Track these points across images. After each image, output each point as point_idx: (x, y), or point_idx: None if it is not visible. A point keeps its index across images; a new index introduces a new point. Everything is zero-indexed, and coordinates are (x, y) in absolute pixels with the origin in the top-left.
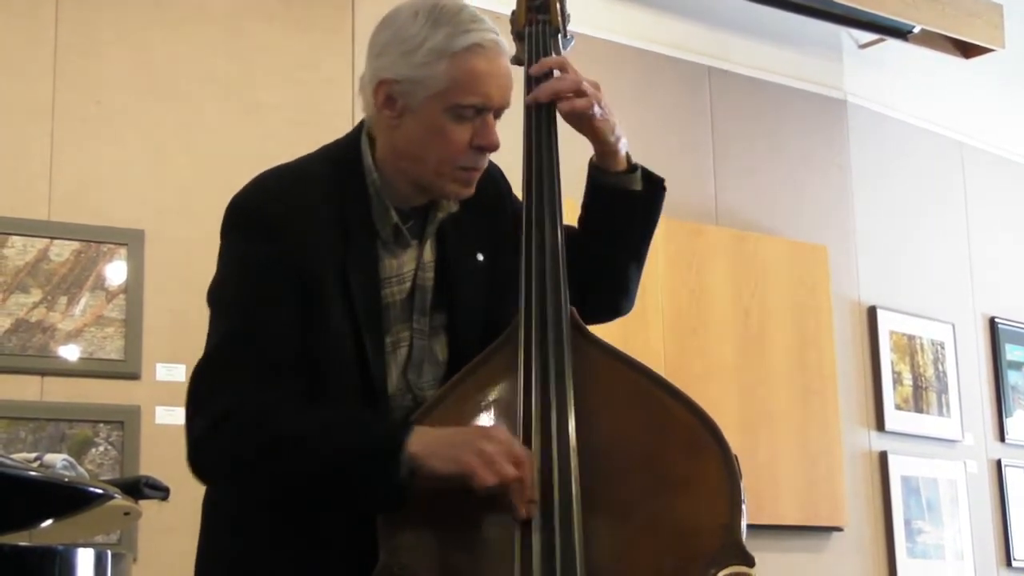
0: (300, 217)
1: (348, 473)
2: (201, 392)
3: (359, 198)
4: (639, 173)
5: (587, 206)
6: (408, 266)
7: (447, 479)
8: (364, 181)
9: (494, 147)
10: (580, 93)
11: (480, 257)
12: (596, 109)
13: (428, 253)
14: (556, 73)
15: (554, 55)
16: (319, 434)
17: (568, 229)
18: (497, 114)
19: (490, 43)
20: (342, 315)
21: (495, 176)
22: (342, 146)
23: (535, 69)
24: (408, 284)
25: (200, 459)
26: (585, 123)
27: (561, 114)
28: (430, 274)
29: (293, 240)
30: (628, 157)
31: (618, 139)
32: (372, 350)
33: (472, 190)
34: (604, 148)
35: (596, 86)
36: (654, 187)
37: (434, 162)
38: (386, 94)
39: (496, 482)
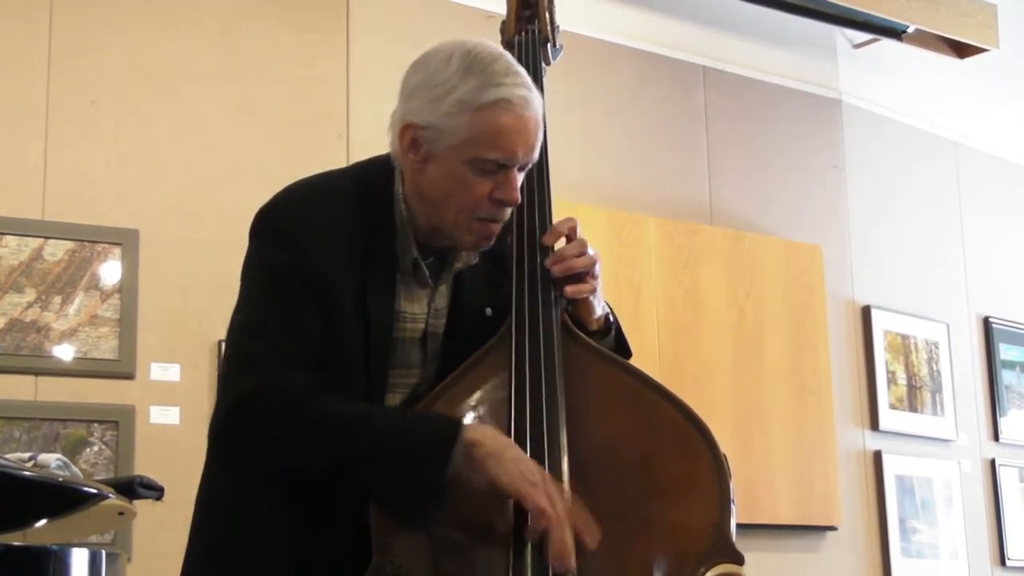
0: (325, 236)
1: (398, 453)
2: (240, 360)
3: (385, 225)
4: (612, 335)
5: None
6: (420, 308)
7: (487, 487)
8: (392, 210)
9: (514, 202)
10: (592, 276)
11: (488, 312)
12: (595, 294)
13: (441, 300)
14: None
15: (544, 65)
16: (371, 413)
17: None
18: (522, 168)
19: (519, 99)
20: (356, 338)
21: None
22: (376, 168)
23: (548, 239)
24: (421, 326)
25: (233, 426)
26: (581, 300)
27: (566, 294)
28: (442, 321)
29: (317, 257)
30: (605, 318)
31: (598, 307)
32: (375, 377)
33: (491, 243)
34: (585, 317)
35: (597, 256)
36: (620, 352)
37: (453, 210)
38: (411, 138)
39: (539, 532)
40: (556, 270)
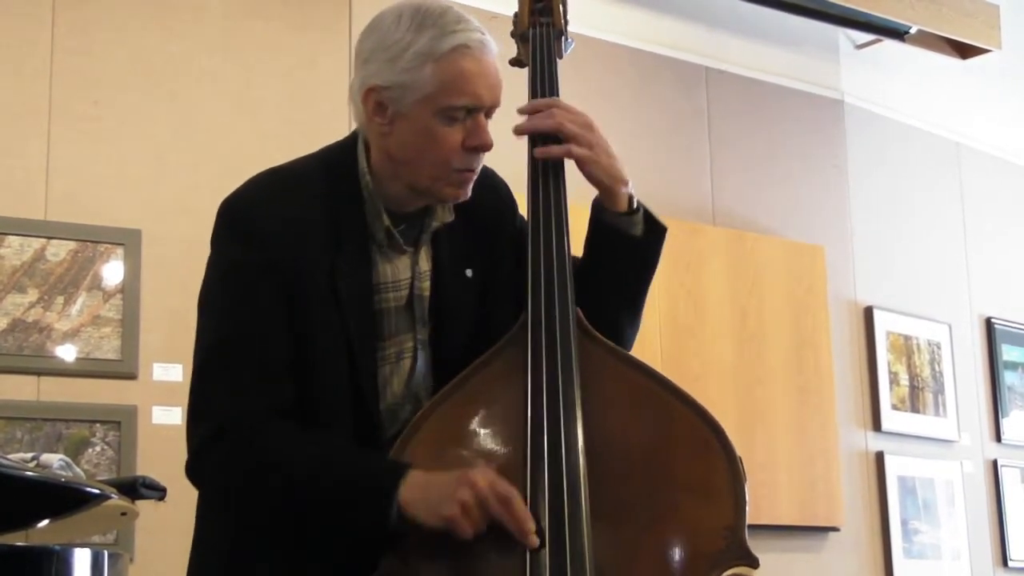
0: (289, 224)
1: (338, 510)
2: (197, 404)
3: (353, 201)
4: (640, 216)
5: (587, 243)
6: (404, 273)
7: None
8: (358, 184)
9: (487, 147)
10: (558, 134)
11: (469, 273)
12: (580, 151)
13: (424, 262)
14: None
15: (557, 59)
16: (311, 469)
17: (573, 260)
18: (488, 113)
19: (476, 43)
20: (333, 321)
21: (500, 191)
22: (338, 149)
23: (527, 107)
24: (405, 292)
25: (197, 473)
26: (581, 166)
27: (536, 157)
28: (427, 283)
29: (281, 247)
30: (631, 200)
31: (616, 180)
32: (361, 356)
33: (468, 193)
34: (599, 187)
35: (588, 125)
36: (654, 233)
37: (428, 166)
38: (375, 101)
39: (471, 536)
40: (520, 129)
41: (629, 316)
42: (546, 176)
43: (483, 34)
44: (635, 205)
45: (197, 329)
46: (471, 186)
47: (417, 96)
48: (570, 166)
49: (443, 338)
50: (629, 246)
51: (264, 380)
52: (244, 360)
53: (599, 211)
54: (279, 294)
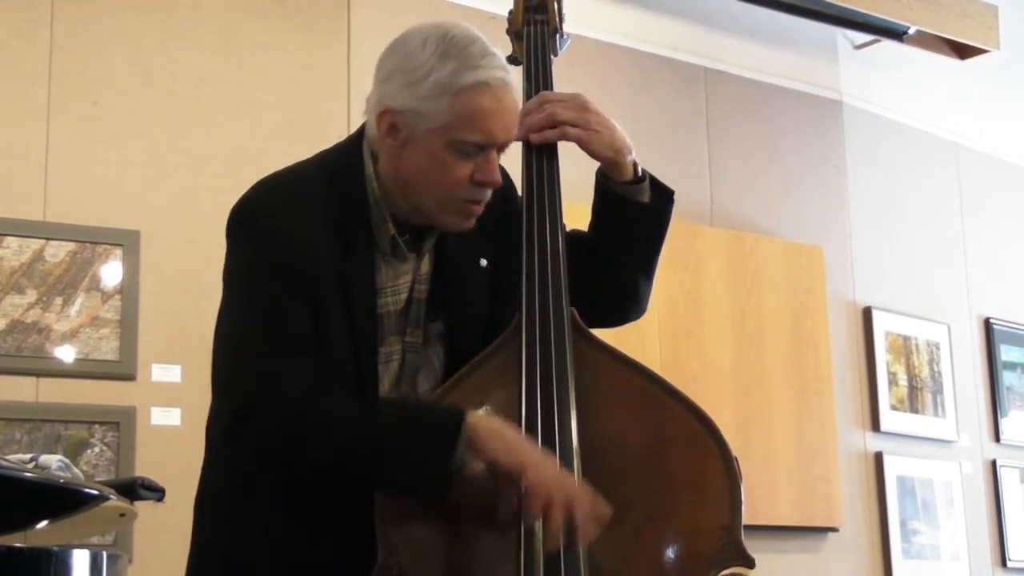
0: (300, 225)
1: (406, 444)
2: (236, 370)
3: (358, 207)
4: (647, 184)
5: (594, 213)
6: (404, 278)
7: (494, 468)
8: (364, 190)
9: (495, 184)
10: (552, 125)
11: (483, 262)
12: (575, 132)
13: (426, 266)
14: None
15: (552, 57)
16: (375, 408)
17: (578, 233)
18: (501, 149)
19: (497, 81)
20: (340, 323)
21: (503, 180)
22: (340, 152)
23: (519, 115)
24: (404, 296)
25: (238, 438)
26: (581, 146)
27: (532, 142)
28: (426, 286)
29: (295, 251)
30: (635, 167)
31: (619, 151)
32: (364, 360)
33: (472, 223)
34: (602, 162)
35: (582, 106)
36: (662, 199)
37: (435, 193)
38: (389, 123)
39: (537, 513)
40: (518, 136)
41: (644, 276)
42: (540, 176)
43: (506, 72)
44: (640, 173)
45: (223, 303)
46: (475, 219)
47: (431, 125)
48: (566, 163)
49: (457, 332)
50: (639, 213)
51: (297, 351)
52: (277, 333)
53: (605, 180)
54: (297, 286)
